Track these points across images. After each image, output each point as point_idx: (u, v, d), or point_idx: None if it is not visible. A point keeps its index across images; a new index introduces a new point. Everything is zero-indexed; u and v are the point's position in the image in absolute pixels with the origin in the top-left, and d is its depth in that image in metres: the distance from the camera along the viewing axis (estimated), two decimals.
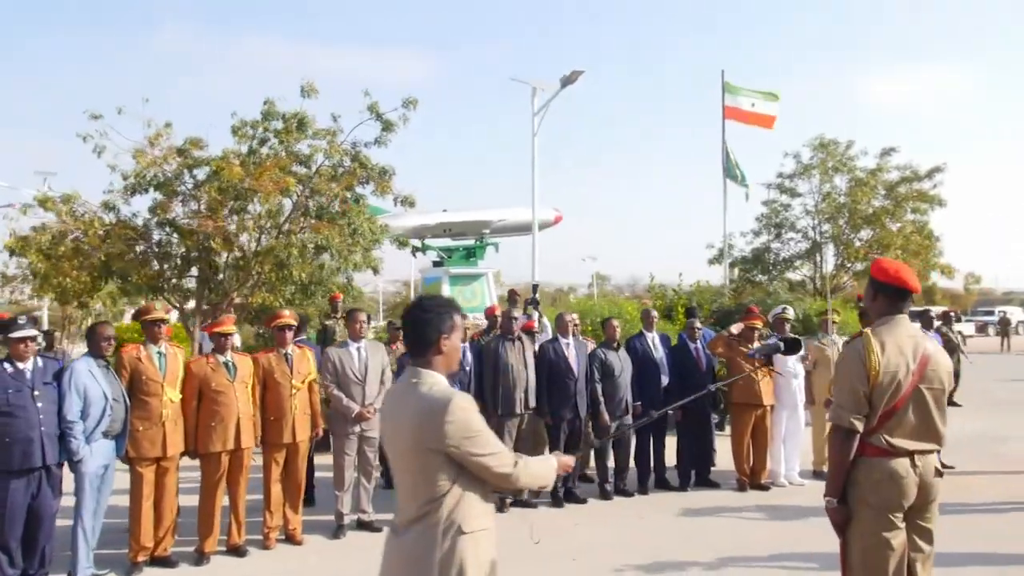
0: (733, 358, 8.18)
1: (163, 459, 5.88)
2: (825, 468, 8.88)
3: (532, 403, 7.59)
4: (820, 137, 22.02)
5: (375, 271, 13.60)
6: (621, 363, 7.96)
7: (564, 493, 7.73)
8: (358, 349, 6.82)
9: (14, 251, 11.55)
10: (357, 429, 6.73)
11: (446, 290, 20.31)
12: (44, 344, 12.09)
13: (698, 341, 8.42)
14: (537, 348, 7.85)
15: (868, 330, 3.37)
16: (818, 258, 22.35)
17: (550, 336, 9.42)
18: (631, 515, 7.36)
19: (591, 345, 8.30)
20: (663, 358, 8.26)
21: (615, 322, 8.11)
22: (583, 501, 7.73)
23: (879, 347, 3.27)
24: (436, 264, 21.48)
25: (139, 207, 11.83)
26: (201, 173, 11.53)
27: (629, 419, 8.07)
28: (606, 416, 7.74)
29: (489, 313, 9.23)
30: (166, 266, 11.78)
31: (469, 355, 7.59)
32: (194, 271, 11.87)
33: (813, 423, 8.78)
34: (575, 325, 8.59)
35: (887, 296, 3.40)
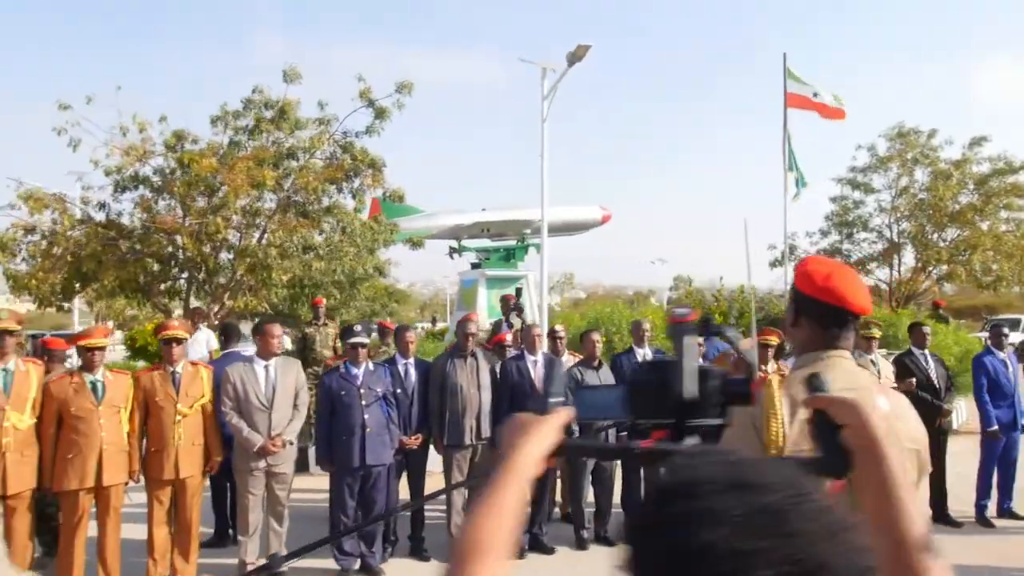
0: None
1: (7, 496, 4.94)
2: None
3: (486, 431, 6.35)
4: (899, 126, 19.83)
5: (381, 273, 12.61)
6: (602, 384, 6.63)
7: (529, 541, 6.46)
8: (266, 367, 5.75)
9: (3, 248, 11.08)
10: (262, 464, 5.65)
11: (483, 293, 19.23)
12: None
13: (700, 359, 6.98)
14: (499, 367, 6.61)
15: (773, 376, 2.03)
16: (896, 260, 20.14)
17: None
18: (604, 572, 6.02)
19: (569, 363, 6.99)
20: None
21: (596, 335, 6.78)
22: (550, 551, 6.43)
23: (788, 409, 1.93)
24: (474, 266, 20.38)
25: (124, 205, 11.23)
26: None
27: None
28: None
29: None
30: (156, 267, 11.11)
31: (413, 374, 6.42)
32: (175, 273, 11.11)
33: None
34: (560, 339, 7.33)
35: (814, 319, 2.05)
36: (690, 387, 1.15)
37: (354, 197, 10.95)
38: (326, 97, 10.91)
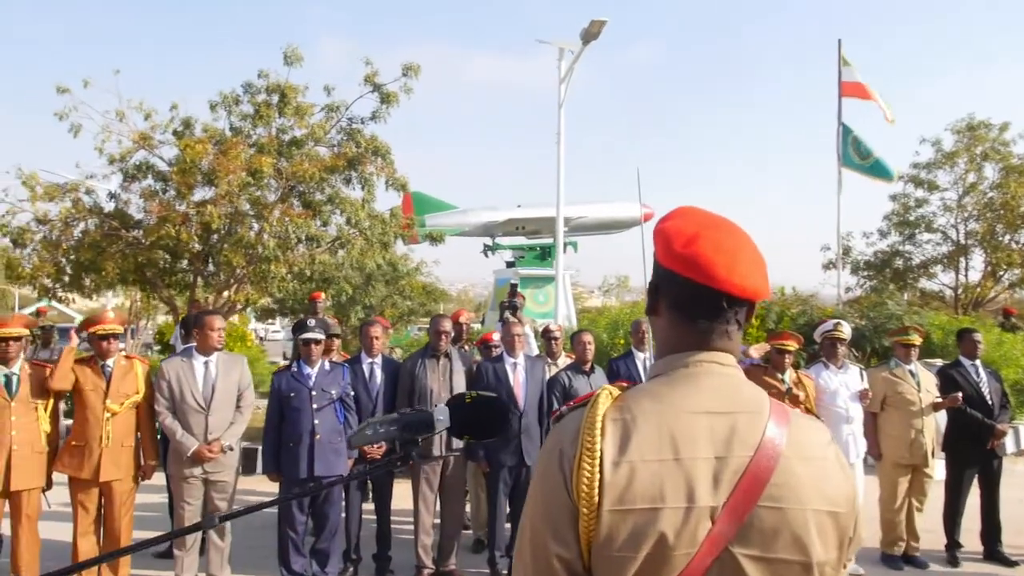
0: None
1: None
2: (900, 549, 6.36)
3: (458, 442, 5.66)
4: (968, 118, 18.35)
5: (395, 269, 12.07)
6: (593, 391, 5.87)
7: (488, 563, 5.75)
8: (206, 364, 5.18)
9: (17, 241, 10.90)
10: (198, 471, 5.08)
11: None
12: (40, 341, 11.47)
13: None
14: (475, 367, 5.91)
15: (604, 390, 1.30)
16: (963, 264, 18.64)
17: (534, 351, 7.50)
18: None
19: (556, 367, 6.26)
20: None
21: (587, 337, 6.02)
22: None
23: (617, 438, 1.20)
24: (509, 265, 19.76)
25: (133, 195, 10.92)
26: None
27: None
28: None
29: (454, 320, 7.40)
30: (167, 259, 10.77)
31: (379, 374, 5.78)
32: (183, 265, 10.74)
33: (881, 486, 6.26)
34: (555, 340, 6.61)
35: (675, 303, 1.32)
36: None
37: (363, 187, 10.39)
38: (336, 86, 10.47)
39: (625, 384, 1.32)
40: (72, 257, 10.05)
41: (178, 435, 5.01)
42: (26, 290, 15.43)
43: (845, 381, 6.11)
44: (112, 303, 20.03)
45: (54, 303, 12.89)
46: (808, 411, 5.81)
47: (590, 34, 8.75)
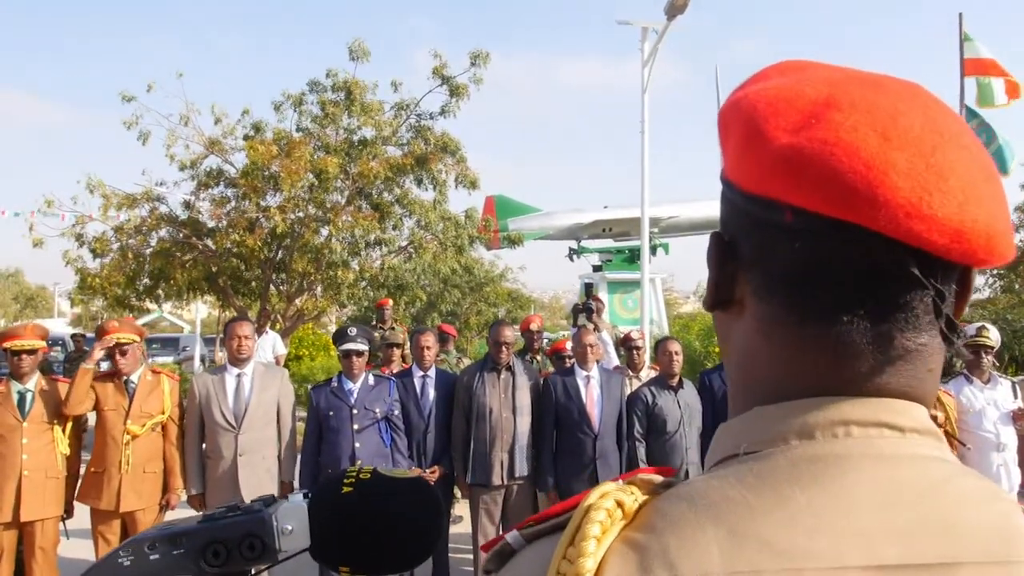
0: None
1: None
2: None
3: (523, 469, 4.90)
4: None
5: (468, 272, 11.45)
6: (681, 410, 5.01)
7: None
8: (238, 377, 4.62)
9: (96, 252, 10.90)
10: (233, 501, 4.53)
11: (604, 298, 17.67)
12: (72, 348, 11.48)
13: None
14: (542, 382, 5.14)
15: (605, 497, 0.48)
16: None
17: (613, 362, 6.68)
18: None
19: (638, 380, 5.42)
20: None
21: (674, 346, 5.15)
22: None
23: None
24: (595, 269, 18.84)
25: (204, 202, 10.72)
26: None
27: None
28: None
29: (524, 328, 6.67)
30: (241, 267, 10.52)
31: (431, 392, 5.09)
32: (256, 273, 10.44)
33: None
34: (637, 350, 5.76)
35: (776, 274, 0.49)
36: None
37: (435, 188, 9.81)
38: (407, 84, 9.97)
39: (656, 475, 0.51)
40: (147, 266, 9.88)
41: (189, 472, 4.51)
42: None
43: (994, 399, 5.01)
44: (202, 314, 20.26)
45: (166, 314, 12.89)
46: (948, 436, 4.76)
47: (675, 7, 7.81)
